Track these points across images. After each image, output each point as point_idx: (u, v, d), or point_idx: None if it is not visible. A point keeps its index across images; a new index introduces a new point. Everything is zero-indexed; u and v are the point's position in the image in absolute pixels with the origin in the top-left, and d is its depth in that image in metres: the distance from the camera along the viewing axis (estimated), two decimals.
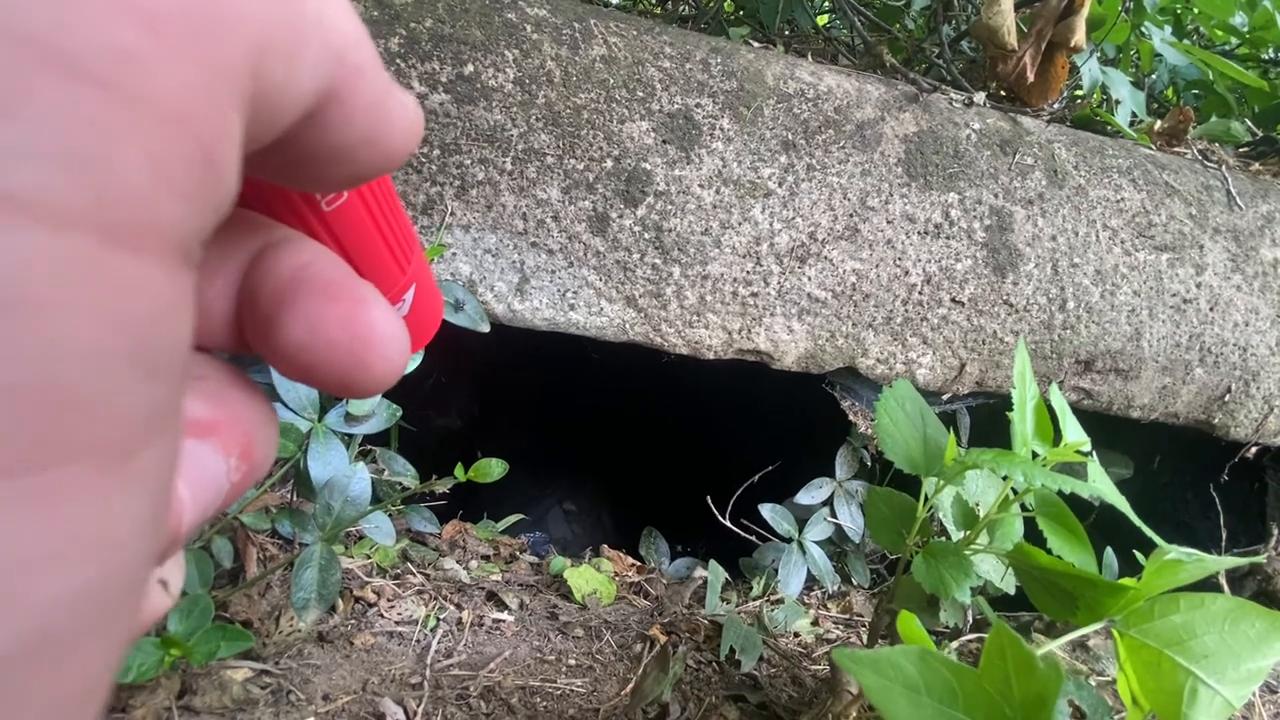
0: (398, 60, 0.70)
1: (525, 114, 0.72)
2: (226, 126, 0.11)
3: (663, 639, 0.73)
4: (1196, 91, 1.24)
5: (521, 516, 1.14)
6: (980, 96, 0.91)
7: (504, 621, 0.78)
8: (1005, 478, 0.51)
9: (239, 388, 0.15)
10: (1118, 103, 0.98)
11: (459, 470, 0.55)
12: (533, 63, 0.72)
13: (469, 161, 0.71)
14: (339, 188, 0.15)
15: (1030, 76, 0.95)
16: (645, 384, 1.24)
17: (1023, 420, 0.53)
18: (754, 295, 0.80)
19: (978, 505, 0.64)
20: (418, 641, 0.69)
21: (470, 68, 0.71)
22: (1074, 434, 0.53)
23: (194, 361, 0.16)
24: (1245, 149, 1.07)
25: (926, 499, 0.55)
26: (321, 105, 0.13)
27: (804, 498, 0.97)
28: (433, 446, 1.45)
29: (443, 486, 0.56)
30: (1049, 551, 0.50)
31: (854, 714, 0.50)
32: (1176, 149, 1.00)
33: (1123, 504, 0.49)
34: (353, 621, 0.69)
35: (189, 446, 0.14)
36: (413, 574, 0.82)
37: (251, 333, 0.15)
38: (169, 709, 0.47)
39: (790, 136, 0.79)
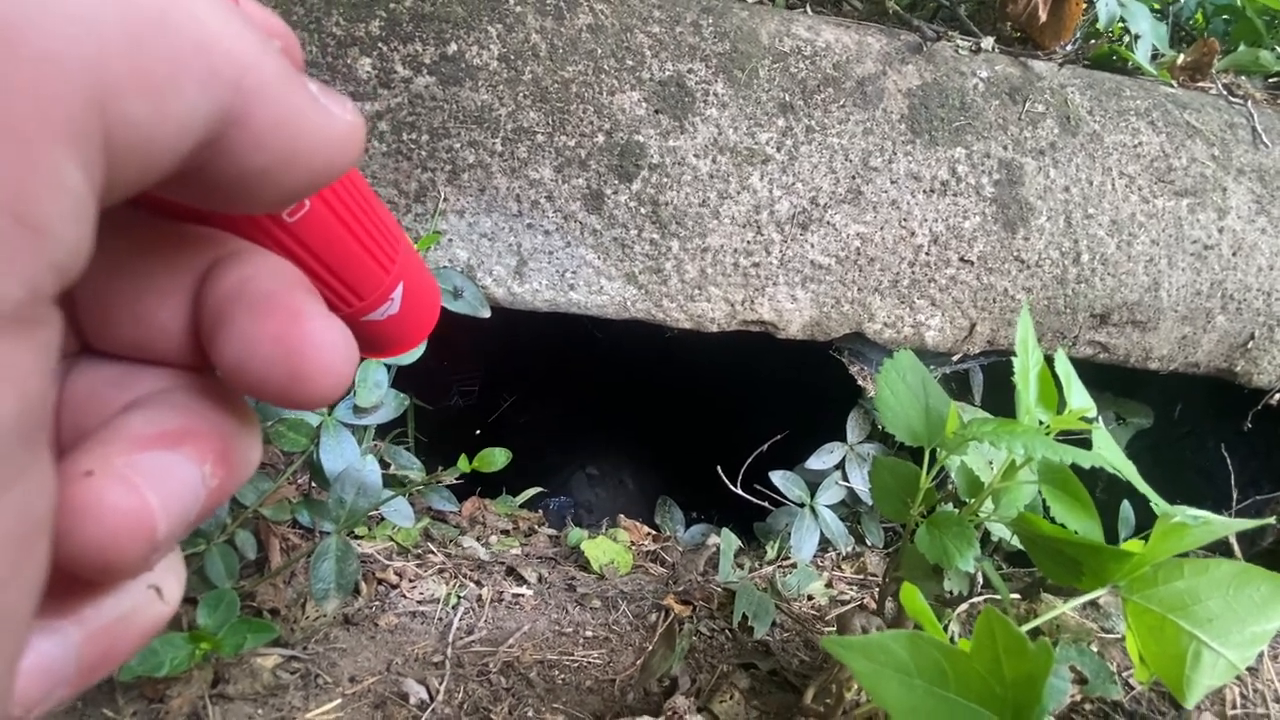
0: (379, 44, 0.68)
1: (512, 92, 0.70)
2: (45, 181, 0.10)
3: (676, 609, 0.75)
4: (1226, 17, 1.16)
5: (540, 490, 1.16)
6: (988, 41, 0.86)
7: (523, 596, 0.80)
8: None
9: (212, 396, 0.16)
10: (1137, 37, 0.93)
11: (463, 461, 0.56)
12: (517, 37, 0.70)
13: (458, 145, 0.70)
14: (274, 208, 0.15)
15: (1042, 15, 0.90)
16: (661, 352, 1.24)
17: (1026, 388, 0.52)
18: (756, 265, 0.79)
19: (991, 463, 0.63)
20: (439, 620, 0.72)
21: (454, 46, 0.69)
22: (1079, 400, 0.52)
23: (162, 375, 0.16)
24: (1275, 78, 1.02)
25: (929, 469, 0.55)
26: (220, 133, 0.13)
27: (815, 463, 0.98)
28: (454, 420, 1.48)
29: (449, 478, 0.57)
30: (1054, 520, 0.49)
31: None
32: (1200, 84, 0.95)
33: (1130, 471, 0.48)
34: (376, 603, 0.72)
35: (157, 458, 0.14)
36: (433, 553, 0.84)
37: (205, 350, 0.16)
38: (203, 698, 0.50)
39: (788, 98, 0.77)
